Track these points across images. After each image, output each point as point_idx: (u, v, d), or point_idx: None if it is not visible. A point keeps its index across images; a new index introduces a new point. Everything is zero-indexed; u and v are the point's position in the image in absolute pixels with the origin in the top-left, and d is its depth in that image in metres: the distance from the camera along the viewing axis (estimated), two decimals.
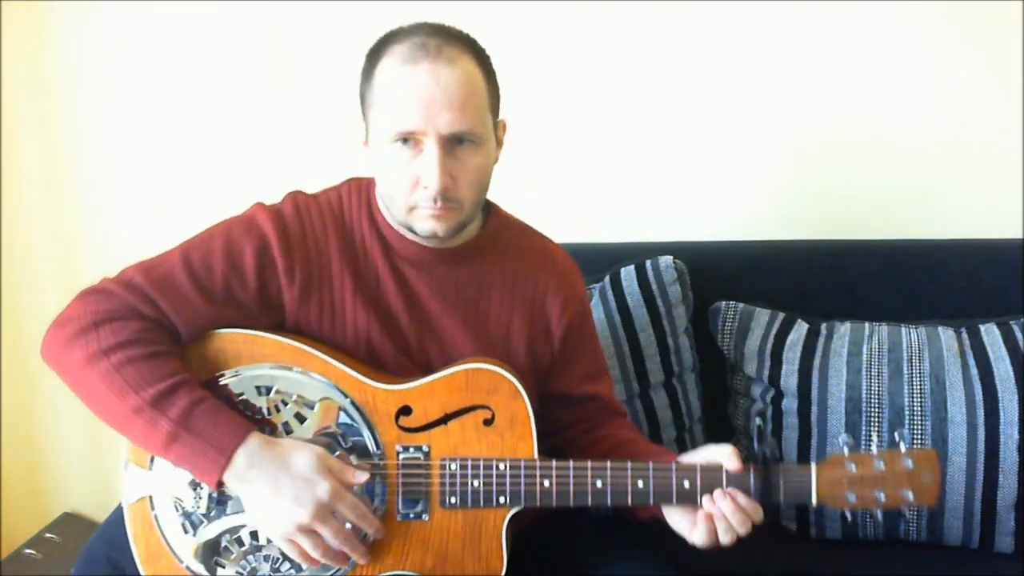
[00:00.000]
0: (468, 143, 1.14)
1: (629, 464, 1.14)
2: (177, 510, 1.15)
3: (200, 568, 1.16)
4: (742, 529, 1.10)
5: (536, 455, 1.16)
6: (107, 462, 2.12)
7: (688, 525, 1.14)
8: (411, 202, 1.16)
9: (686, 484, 1.13)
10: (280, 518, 1.08)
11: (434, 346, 1.24)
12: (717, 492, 1.12)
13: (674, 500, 1.13)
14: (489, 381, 1.17)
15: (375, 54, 1.16)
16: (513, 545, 1.18)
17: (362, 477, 1.13)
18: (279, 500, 1.08)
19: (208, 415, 1.09)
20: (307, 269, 1.20)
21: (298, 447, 1.12)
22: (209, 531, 1.15)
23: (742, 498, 1.11)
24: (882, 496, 1.12)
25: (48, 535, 2.07)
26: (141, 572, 1.18)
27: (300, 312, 1.21)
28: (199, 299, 1.16)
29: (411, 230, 1.19)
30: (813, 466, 1.13)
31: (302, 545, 1.10)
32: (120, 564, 1.25)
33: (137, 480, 1.16)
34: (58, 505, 2.18)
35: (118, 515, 1.24)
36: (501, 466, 1.15)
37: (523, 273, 1.28)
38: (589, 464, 1.14)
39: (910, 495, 1.12)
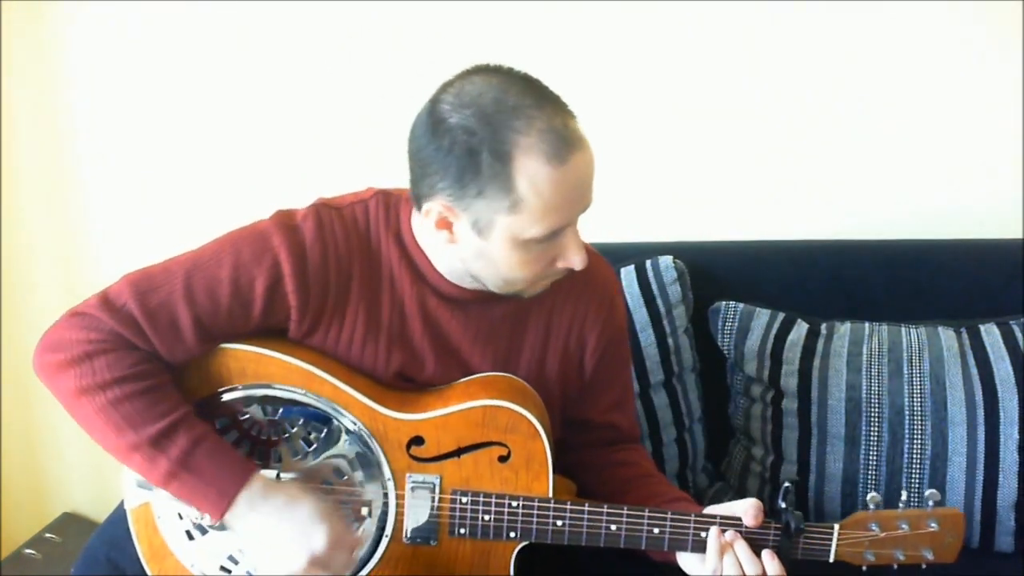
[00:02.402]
0: None
1: (647, 511, 1.12)
2: (181, 518, 1.14)
3: (205, 572, 1.15)
4: (751, 572, 1.08)
5: (551, 494, 1.14)
6: (107, 462, 2.09)
7: (700, 564, 1.12)
8: (538, 279, 1.12)
9: (703, 535, 1.11)
10: (276, 563, 1.07)
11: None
12: (730, 532, 1.10)
13: (689, 548, 1.12)
14: (508, 419, 1.13)
15: (501, 152, 1.00)
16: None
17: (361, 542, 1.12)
18: (277, 548, 1.06)
19: (209, 455, 1.06)
20: (320, 306, 1.14)
21: (301, 494, 1.09)
22: (214, 539, 1.14)
23: (766, 556, 1.09)
24: (901, 555, 1.12)
25: (48, 535, 2.07)
26: (146, 570, 1.17)
27: (305, 340, 1.16)
28: (193, 338, 1.10)
29: (514, 295, 1.14)
30: (836, 528, 1.11)
31: None
32: (120, 564, 1.25)
33: (138, 486, 1.15)
34: (58, 505, 2.18)
35: (118, 515, 1.24)
36: (514, 503, 1.13)
37: (561, 299, 1.22)
38: (605, 508, 1.12)
39: (929, 555, 1.12)
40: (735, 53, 1.81)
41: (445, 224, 1.08)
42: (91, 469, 2.15)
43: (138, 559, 1.18)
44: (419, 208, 1.10)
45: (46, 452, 2.16)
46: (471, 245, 1.08)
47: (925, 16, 1.77)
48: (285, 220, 1.14)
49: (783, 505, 1.11)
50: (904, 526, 1.11)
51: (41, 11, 1.90)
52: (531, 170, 1.01)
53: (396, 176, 1.23)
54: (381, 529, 1.15)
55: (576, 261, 1.09)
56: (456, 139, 1.01)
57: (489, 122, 1.01)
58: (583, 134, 1.05)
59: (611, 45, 1.83)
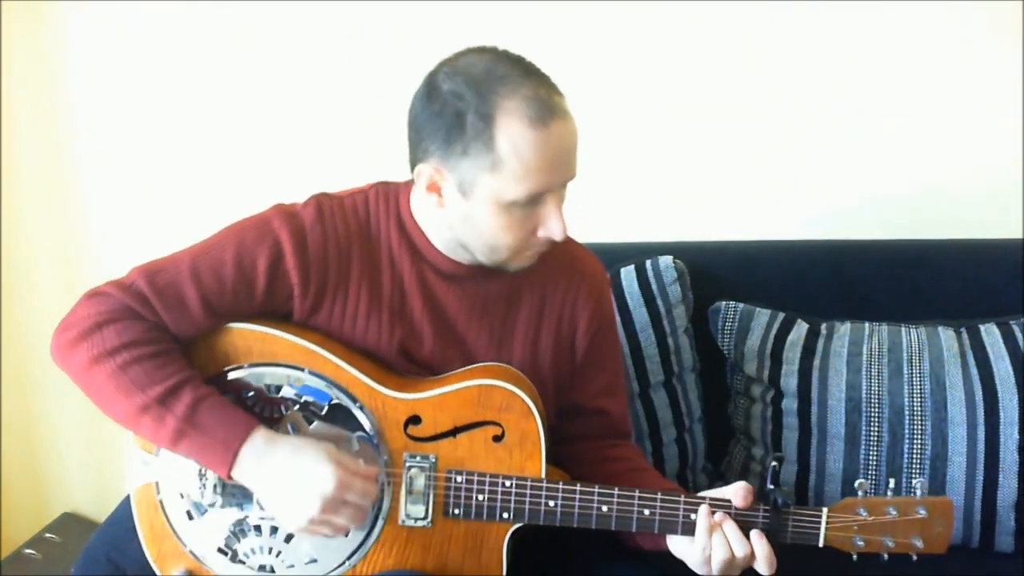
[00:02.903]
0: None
1: (637, 492, 1.14)
2: (183, 497, 1.16)
3: (203, 553, 1.17)
4: (739, 551, 1.09)
5: (544, 475, 1.15)
6: (107, 462, 2.12)
7: (689, 545, 1.13)
8: (521, 249, 1.15)
9: (692, 516, 1.12)
10: (291, 513, 1.09)
11: (458, 361, 1.23)
12: (719, 512, 1.11)
13: (679, 531, 1.13)
14: (502, 398, 1.16)
15: (485, 113, 1.06)
16: (512, 545, 1.17)
17: (372, 471, 1.13)
18: (287, 495, 1.08)
19: (213, 411, 1.09)
20: (322, 283, 1.18)
21: (305, 442, 1.11)
22: (214, 519, 1.16)
23: (755, 536, 1.10)
24: (890, 542, 1.12)
25: (48, 535, 2.07)
26: (145, 552, 1.19)
27: (309, 320, 1.20)
28: (200, 313, 1.14)
29: (499, 266, 1.17)
30: (824, 511, 1.12)
31: (319, 532, 1.10)
32: (120, 564, 1.26)
33: (143, 465, 1.17)
34: (58, 505, 2.18)
35: (118, 515, 1.25)
36: (507, 483, 1.14)
37: (553, 284, 1.27)
38: (596, 489, 1.14)
39: (919, 543, 1.11)
40: (735, 53, 1.81)
41: (435, 187, 1.13)
42: (91, 469, 2.15)
43: (138, 559, 1.19)
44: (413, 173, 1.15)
45: (46, 452, 2.16)
46: (458, 208, 1.13)
47: (925, 16, 1.77)
48: (285, 209, 1.21)
49: (771, 486, 1.12)
50: (892, 511, 1.11)
51: (41, 11, 1.90)
52: (512, 131, 1.06)
53: (396, 175, 1.24)
54: (377, 510, 1.16)
55: (556, 230, 1.12)
56: (446, 102, 1.08)
57: (477, 87, 1.07)
58: (567, 108, 1.10)
59: (611, 45, 1.83)
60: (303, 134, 1.92)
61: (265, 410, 1.16)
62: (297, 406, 1.16)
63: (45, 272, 2.04)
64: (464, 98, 1.07)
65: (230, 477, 1.09)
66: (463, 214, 1.13)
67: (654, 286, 1.65)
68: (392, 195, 1.23)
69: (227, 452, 1.08)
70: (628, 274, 1.66)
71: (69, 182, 2.00)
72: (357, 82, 1.88)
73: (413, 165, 1.14)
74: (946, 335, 1.58)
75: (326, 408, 1.16)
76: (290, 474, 1.09)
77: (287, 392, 1.16)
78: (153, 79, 1.92)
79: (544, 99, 1.07)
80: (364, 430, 1.16)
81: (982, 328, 1.59)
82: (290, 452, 1.10)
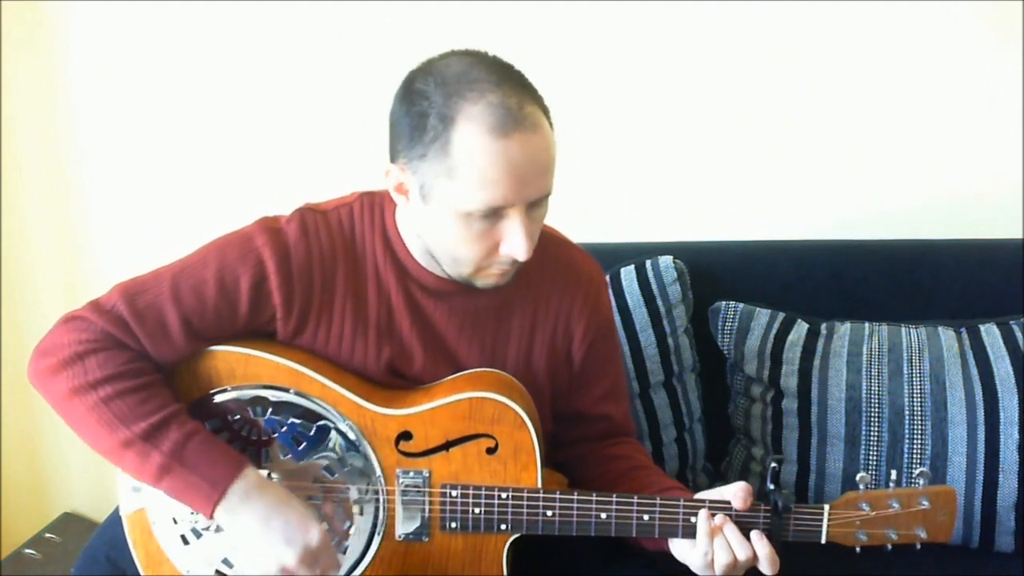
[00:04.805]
0: (542, 199, 1.08)
1: (635, 498, 1.12)
2: (176, 523, 1.15)
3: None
4: (741, 554, 1.08)
5: (540, 485, 1.14)
6: (107, 462, 2.12)
7: (691, 549, 1.12)
8: (484, 264, 1.11)
9: (692, 520, 1.11)
10: (266, 556, 1.06)
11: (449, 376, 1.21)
12: (720, 515, 1.10)
13: (679, 534, 1.12)
14: (494, 410, 1.14)
15: (446, 116, 1.02)
16: (513, 547, 1.17)
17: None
18: (268, 539, 1.06)
19: (201, 448, 1.07)
20: (305, 304, 1.15)
21: (293, 496, 1.10)
22: (209, 543, 1.14)
23: (755, 537, 1.09)
24: (893, 535, 1.11)
25: (48, 535, 2.08)
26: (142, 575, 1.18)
27: (294, 339, 1.17)
28: (181, 337, 1.11)
29: (465, 282, 1.14)
30: (826, 508, 1.11)
31: None
32: (120, 564, 1.25)
33: (133, 491, 1.16)
34: (58, 505, 2.18)
35: (118, 515, 1.24)
36: (503, 495, 1.13)
37: (546, 293, 1.23)
38: (594, 496, 1.13)
39: (923, 533, 1.11)
40: (735, 53, 1.81)
41: (401, 189, 1.11)
42: (91, 469, 2.15)
43: None
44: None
45: (46, 452, 2.16)
46: (421, 214, 1.10)
47: (925, 16, 1.77)
48: (269, 223, 1.17)
49: (771, 486, 1.11)
50: (895, 504, 1.10)
51: (41, 11, 1.90)
52: (469, 137, 1.01)
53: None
54: (373, 527, 1.15)
55: (517, 249, 1.07)
56: (414, 102, 1.05)
57: (445, 89, 1.03)
58: (540, 121, 1.04)
59: (611, 45, 1.83)
60: (303, 135, 1.92)
61: (252, 433, 1.15)
62: (284, 427, 1.15)
63: (45, 272, 2.04)
64: (429, 98, 1.03)
65: (212, 516, 1.06)
66: (426, 221, 1.10)
67: (654, 286, 1.65)
68: (377, 207, 1.20)
69: (214, 490, 1.05)
70: (628, 274, 1.66)
71: (69, 182, 1.99)
72: (359, 85, 1.88)
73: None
74: (946, 335, 1.58)
75: (314, 429, 1.15)
76: (276, 519, 1.06)
77: (273, 414, 1.14)
78: (153, 79, 1.92)
79: (511, 108, 1.01)
80: (354, 449, 1.15)
81: (982, 328, 1.59)
82: (280, 500, 1.08)
